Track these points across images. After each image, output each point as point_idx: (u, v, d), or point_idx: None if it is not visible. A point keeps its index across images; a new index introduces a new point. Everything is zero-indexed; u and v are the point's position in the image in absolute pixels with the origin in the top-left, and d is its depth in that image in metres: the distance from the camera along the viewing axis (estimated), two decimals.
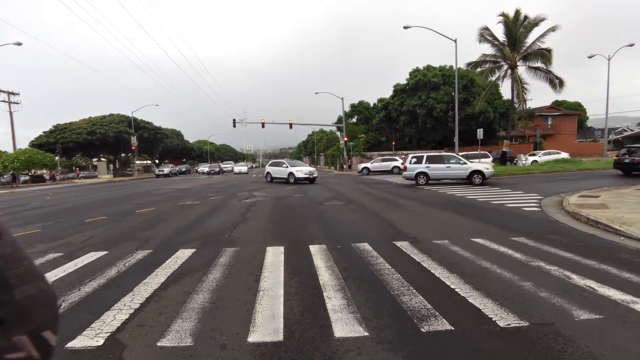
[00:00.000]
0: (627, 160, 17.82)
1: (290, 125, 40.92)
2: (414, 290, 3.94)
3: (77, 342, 3.01)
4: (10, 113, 36.68)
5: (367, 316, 3.35)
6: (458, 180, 17.79)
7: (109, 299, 3.96)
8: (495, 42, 29.72)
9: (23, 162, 35.40)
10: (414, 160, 18.17)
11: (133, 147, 47.19)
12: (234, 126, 40.52)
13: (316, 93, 46.07)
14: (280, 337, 3.00)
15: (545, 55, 28.40)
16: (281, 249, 5.99)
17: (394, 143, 41.92)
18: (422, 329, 3.08)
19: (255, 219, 9.30)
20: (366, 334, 3.02)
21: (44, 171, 40.90)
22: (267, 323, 3.26)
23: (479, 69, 31.90)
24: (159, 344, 2.97)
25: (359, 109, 59.90)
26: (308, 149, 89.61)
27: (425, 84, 40.34)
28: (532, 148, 38.77)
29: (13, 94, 37.00)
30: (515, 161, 30.26)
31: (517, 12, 28.92)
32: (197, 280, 4.50)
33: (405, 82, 43.03)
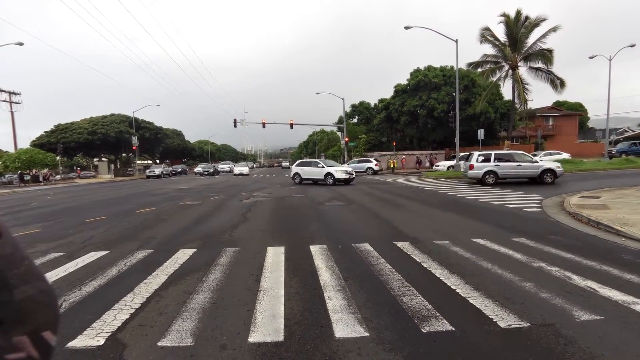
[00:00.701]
0: None
1: (291, 126, 40.86)
2: (415, 291, 3.94)
3: (78, 342, 3.01)
4: (12, 113, 36.78)
5: (368, 316, 3.35)
6: (528, 180, 16.44)
7: (109, 298, 3.97)
8: (496, 43, 29.66)
9: (24, 162, 35.45)
10: (481, 158, 16.89)
11: (134, 147, 47.22)
12: (235, 126, 40.45)
13: (317, 93, 46.02)
14: (281, 338, 3.00)
15: (546, 55, 28.33)
16: (282, 249, 5.99)
17: (394, 143, 41.86)
18: (422, 330, 3.07)
19: (256, 219, 9.30)
20: (367, 334, 3.02)
21: (44, 171, 40.47)
22: (268, 323, 3.26)
23: (480, 70, 31.82)
24: (159, 343, 2.97)
25: (360, 109, 59.79)
26: (309, 149, 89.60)
27: (426, 85, 40.26)
28: (533, 148, 38.71)
29: (14, 93, 37.06)
30: None
31: (518, 13, 28.86)
32: (198, 280, 4.50)
33: (406, 82, 42.95)
